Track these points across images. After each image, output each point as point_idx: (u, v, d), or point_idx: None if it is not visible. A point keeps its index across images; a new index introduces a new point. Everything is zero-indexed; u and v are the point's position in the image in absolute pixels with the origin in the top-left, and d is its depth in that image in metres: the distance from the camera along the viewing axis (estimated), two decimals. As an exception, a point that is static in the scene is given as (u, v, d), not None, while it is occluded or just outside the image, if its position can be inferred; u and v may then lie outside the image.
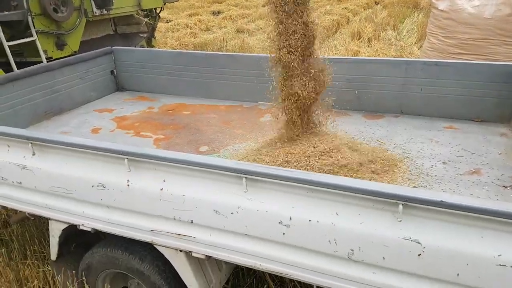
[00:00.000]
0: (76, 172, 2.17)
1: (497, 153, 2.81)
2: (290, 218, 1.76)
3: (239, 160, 2.87)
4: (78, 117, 3.92)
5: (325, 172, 2.44)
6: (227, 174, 1.84)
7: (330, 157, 2.53)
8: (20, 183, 2.38)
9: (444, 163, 2.75)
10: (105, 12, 5.70)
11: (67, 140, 2.18)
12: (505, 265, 1.45)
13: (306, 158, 2.54)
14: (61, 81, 3.95)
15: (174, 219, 1.99)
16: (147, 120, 3.82)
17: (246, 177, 1.79)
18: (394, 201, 1.56)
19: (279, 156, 2.64)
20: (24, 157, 2.33)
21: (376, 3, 17.16)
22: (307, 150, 2.61)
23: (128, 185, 2.06)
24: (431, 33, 6.25)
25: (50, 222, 2.49)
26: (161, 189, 2.00)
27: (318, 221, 1.71)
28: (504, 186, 2.41)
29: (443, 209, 1.49)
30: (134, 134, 3.51)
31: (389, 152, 2.92)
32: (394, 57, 8.85)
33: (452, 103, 3.43)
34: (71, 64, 4.05)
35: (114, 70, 4.59)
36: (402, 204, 1.55)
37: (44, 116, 3.83)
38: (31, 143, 2.27)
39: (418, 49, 9.23)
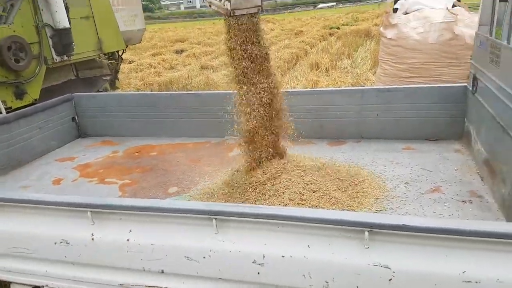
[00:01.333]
0: (37, 229, 2.07)
1: (454, 169, 2.95)
2: (264, 256, 1.75)
3: (208, 198, 2.86)
4: (39, 168, 3.79)
5: (299, 197, 2.47)
6: (197, 216, 1.83)
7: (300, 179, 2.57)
8: (-24, 246, 2.25)
9: (406, 183, 2.85)
10: (65, 58, 5.63)
11: (23, 197, 2.10)
12: (470, 281, 1.50)
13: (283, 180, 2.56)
14: (19, 133, 3.84)
15: (144, 270, 1.93)
16: (112, 165, 3.76)
17: (216, 218, 1.79)
18: (360, 228, 1.60)
19: (250, 187, 2.65)
20: (-22, 218, 2.21)
21: (331, 35, 18.00)
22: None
23: (92, 239, 1.99)
24: (382, 60, 6.61)
25: (11, 286, 2.35)
26: (128, 240, 1.94)
27: (291, 256, 1.72)
28: (463, 201, 2.52)
29: (407, 233, 1.54)
30: (98, 181, 3.43)
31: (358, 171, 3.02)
32: (352, 84, 9.22)
33: (407, 125, 3.61)
34: (29, 115, 3.95)
35: (75, 117, 4.52)
36: (368, 231, 1.59)
37: (2, 170, 3.68)
38: (-15, 203, 2.16)
39: (373, 75, 9.68)
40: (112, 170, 3.64)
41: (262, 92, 2.68)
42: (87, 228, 1.98)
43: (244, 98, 2.67)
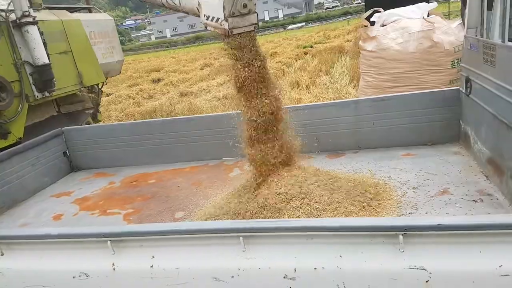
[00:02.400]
0: (53, 265, 1.99)
1: (457, 171, 3.01)
2: (295, 270, 1.72)
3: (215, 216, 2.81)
4: (35, 206, 3.67)
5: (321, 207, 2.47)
6: (222, 235, 1.79)
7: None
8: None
9: (414, 188, 2.88)
10: (47, 94, 5.54)
11: (38, 233, 2.02)
12: (507, 275, 1.50)
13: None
14: (12, 172, 3.72)
15: (171, 295, 1.86)
16: (111, 196, 3.66)
17: (243, 236, 1.75)
18: (394, 232, 1.60)
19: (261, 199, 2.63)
20: (-11, 259, 2.10)
21: (306, 54, 18.40)
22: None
23: (114, 269, 1.92)
24: (364, 72, 6.78)
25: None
26: (151, 266, 1.88)
27: (323, 267, 1.69)
28: (474, 201, 2.57)
29: (441, 232, 1.55)
30: (100, 213, 3.33)
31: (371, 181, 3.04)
32: (334, 99, 9.38)
33: (403, 132, 3.68)
34: (20, 153, 3.84)
35: (67, 151, 4.42)
36: (402, 234, 1.59)
37: (-2, 211, 3.53)
38: (-4, 242, 2.06)
39: (353, 88, 9.90)
40: (113, 200, 3.55)
41: (268, 105, 2.72)
42: (108, 258, 1.91)
43: (252, 113, 2.71)
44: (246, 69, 2.64)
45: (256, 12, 2.61)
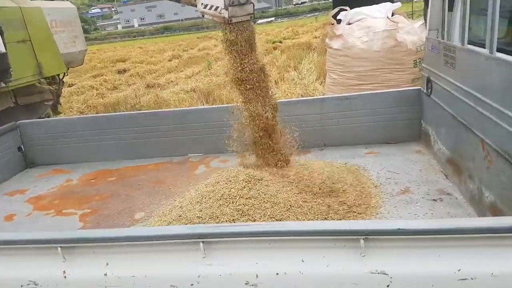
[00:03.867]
0: (-1, 273, 1.84)
1: (418, 170, 3.07)
2: (257, 276, 1.67)
3: (180, 220, 2.72)
4: (-15, 205, 3.43)
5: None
6: (182, 241, 1.71)
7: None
8: None
9: (376, 187, 2.91)
10: (3, 84, 5.21)
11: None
12: (465, 279, 1.52)
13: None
14: (-42, 169, 3.46)
15: (126, 305, 1.77)
16: (68, 195, 3.49)
17: (203, 241, 1.68)
18: (355, 236, 1.58)
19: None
20: None
21: (275, 49, 18.40)
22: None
23: (65, 277, 1.80)
24: (330, 69, 6.83)
25: None
26: (105, 274, 1.78)
27: (285, 273, 1.65)
28: (433, 200, 2.62)
29: (403, 236, 1.55)
30: (55, 213, 3.16)
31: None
32: (301, 95, 9.42)
33: (367, 130, 3.72)
34: (-32, 148, 3.58)
35: (22, 146, 4.17)
36: (363, 239, 1.57)
37: None
38: None
39: (320, 84, 9.98)
40: (69, 200, 3.37)
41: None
42: (58, 265, 1.79)
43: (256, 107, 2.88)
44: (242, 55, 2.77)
45: (252, 3, 2.73)
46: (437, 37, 2.96)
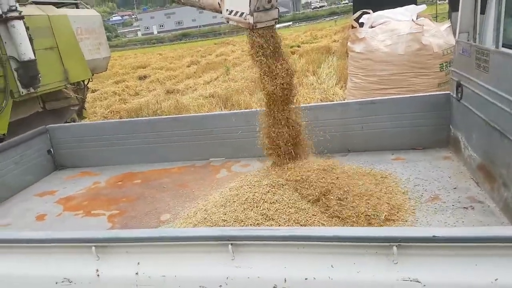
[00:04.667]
0: (35, 270, 1.89)
1: (448, 176, 3.00)
2: (285, 280, 1.67)
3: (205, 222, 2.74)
4: (18, 205, 3.56)
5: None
6: (211, 243, 1.72)
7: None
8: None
9: (403, 193, 2.86)
10: (32, 90, 5.39)
11: (20, 237, 1.92)
12: (502, 288, 1.48)
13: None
14: (-5, 170, 3.59)
15: (156, 304, 1.79)
16: (96, 197, 3.56)
17: (232, 243, 1.69)
18: (388, 243, 1.56)
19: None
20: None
21: (293, 53, 18.36)
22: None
23: (98, 275, 1.84)
24: (352, 73, 6.77)
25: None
26: (137, 273, 1.81)
27: (314, 278, 1.64)
28: (464, 208, 2.55)
29: (437, 244, 1.52)
30: (85, 214, 3.23)
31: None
32: (321, 100, 9.36)
33: (393, 135, 3.66)
34: (3, 150, 3.72)
35: (51, 149, 4.30)
36: (396, 246, 1.55)
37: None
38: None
39: (340, 89, 9.90)
40: (97, 201, 3.45)
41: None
42: (91, 264, 1.83)
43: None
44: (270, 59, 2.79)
45: (277, 8, 2.75)
46: (468, 40, 2.90)
